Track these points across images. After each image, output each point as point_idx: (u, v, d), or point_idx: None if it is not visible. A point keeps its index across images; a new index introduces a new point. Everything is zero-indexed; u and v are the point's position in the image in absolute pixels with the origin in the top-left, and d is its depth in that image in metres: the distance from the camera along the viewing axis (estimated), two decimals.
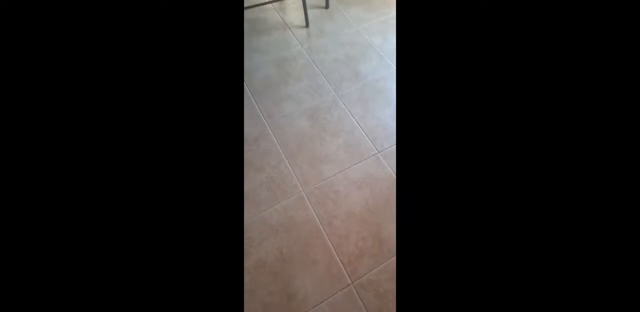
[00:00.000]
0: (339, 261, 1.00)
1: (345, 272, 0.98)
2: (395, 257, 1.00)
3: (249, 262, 1.01)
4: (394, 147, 1.23)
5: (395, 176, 1.16)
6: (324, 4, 1.76)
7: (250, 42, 1.59)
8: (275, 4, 1.77)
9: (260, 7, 1.75)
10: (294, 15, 1.71)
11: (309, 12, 1.68)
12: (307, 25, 1.65)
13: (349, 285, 0.96)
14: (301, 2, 1.58)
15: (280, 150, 1.23)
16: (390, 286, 0.96)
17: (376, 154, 1.22)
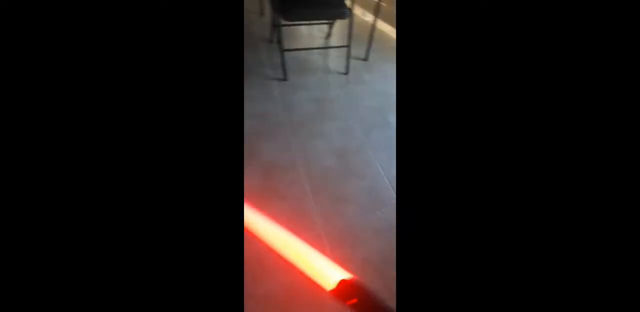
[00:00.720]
0: None
1: None
2: None
3: (258, 291, 1.00)
4: None
5: None
6: (364, 56, 1.94)
7: (296, 79, 1.72)
8: (321, 50, 1.94)
9: (308, 50, 1.92)
10: (336, 62, 1.88)
11: (350, 61, 1.84)
12: (347, 73, 1.81)
13: None
14: (344, 51, 1.74)
15: (306, 183, 1.28)
16: None
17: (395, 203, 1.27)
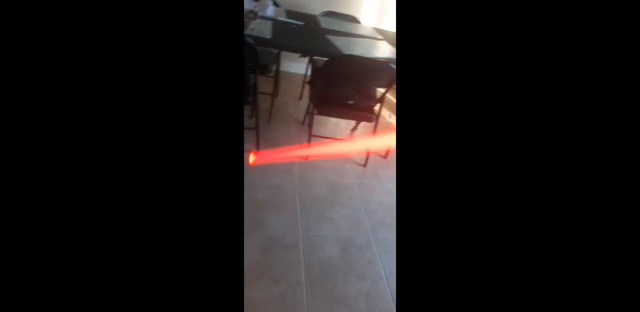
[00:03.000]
0: None
1: None
2: None
3: None
4: None
5: None
6: (384, 153, 2.07)
7: (317, 161, 1.80)
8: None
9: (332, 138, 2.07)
10: (356, 153, 1.99)
11: (370, 156, 1.96)
12: (365, 165, 1.90)
13: None
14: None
15: (303, 271, 1.19)
16: None
17: None
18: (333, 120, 2.29)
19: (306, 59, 2.52)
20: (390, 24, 2.58)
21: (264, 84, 2.08)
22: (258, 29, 1.39)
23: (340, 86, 1.69)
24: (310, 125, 1.78)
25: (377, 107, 1.74)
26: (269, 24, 1.55)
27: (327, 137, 2.02)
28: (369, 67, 1.42)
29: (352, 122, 2.30)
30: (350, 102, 1.62)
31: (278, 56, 2.01)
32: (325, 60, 1.38)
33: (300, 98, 2.47)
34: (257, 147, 1.74)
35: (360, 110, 1.66)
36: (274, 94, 2.13)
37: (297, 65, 2.78)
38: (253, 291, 1.08)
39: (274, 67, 2.01)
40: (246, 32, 1.33)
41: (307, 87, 2.39)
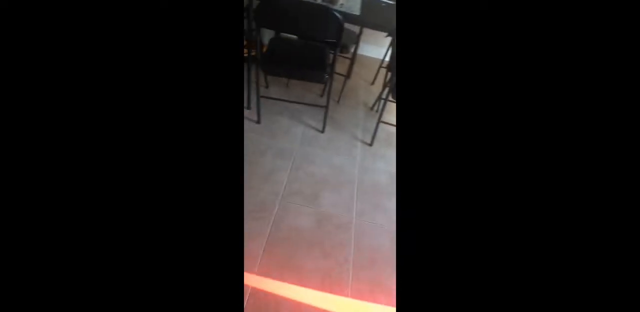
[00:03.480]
0: None
1: None
2: None
3: None
4: None
5: None
6: None
7: (380, 148, 1.76)
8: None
9: None
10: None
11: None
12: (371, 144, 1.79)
13: None
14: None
15: (352, 253, 1.19)
16: None
17: None
18: None
19: (386, 43, 2.42)
20: None
21: (339, 64, 2.05)
22: (347, 4, 1.35)
23: None
24: (380, 112, 1.72)
25: None
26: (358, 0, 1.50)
27: (394, 125, 1.95)
28: None
29: None
30: None
31: (358, 37, 1.95)
32: None
33: (373, 83, 2.40)
34: (324, 126, 1.74)
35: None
36: (348, 75, 2.09)
37: (373, 49, 2.69)
38: (303, 260, 1.11)
39: (352, 48, 1.96)
40: (335, 6, 1.30)
41: (381, 73, 2.31)
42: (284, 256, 1.12)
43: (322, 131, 1.74)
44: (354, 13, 1.31)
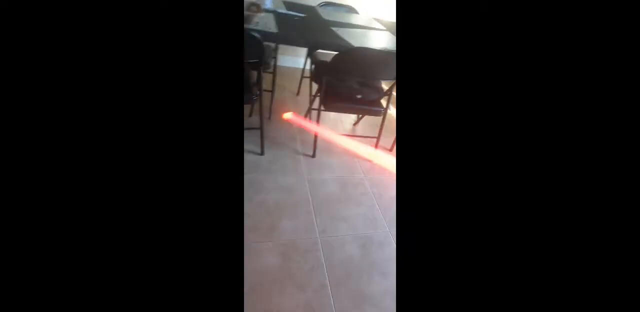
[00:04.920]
0: None
1: None
2: None
3: None
4: None
5: None
6: (389, 146, 2.04)
7: (321, 159, 1.76)
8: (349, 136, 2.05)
9: (336, 135, 2.03)
10: (363, 149, 1.96)
11: (378, 151, 1.93)
12: (372, 160, 1.87)
13: None
14: (370, 140, 1.84)
15: (326, 274, 1.16)
16: None
17: None
18: (333, 115, 2.25)
19: (302, 53, 2.44)
20: (386, 13, 2.53)
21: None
22: (263, 22, 1.32)
23: (347, 80, 1.64)
24: (317, 122, 1.72)
25: (383, 100, 1.71)
26: (272, 17, 1.47)
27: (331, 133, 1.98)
28: (379, 59, 1.37)
29: (353, 117, 2.26)
30: (359, 96, 1.58)
31: (275, 50, 1.93)
32: (336, 54, 1.32)
33: (298, 93, 2.41)
34: (262, 148, 1.68)
35: (368, 104, 1.62)
36: (274, 90, 2.06)
37: (291, 59, 2.70)
38: (281, 300, 1.04)
39: (272, 62, 1.93)
40: (250, 26, 1.26)
41: (305, 82, 2.32)
42: (260, 306, 1.03)
43: (262, 153, 1.68)
44: (272, 31, 1.28)
